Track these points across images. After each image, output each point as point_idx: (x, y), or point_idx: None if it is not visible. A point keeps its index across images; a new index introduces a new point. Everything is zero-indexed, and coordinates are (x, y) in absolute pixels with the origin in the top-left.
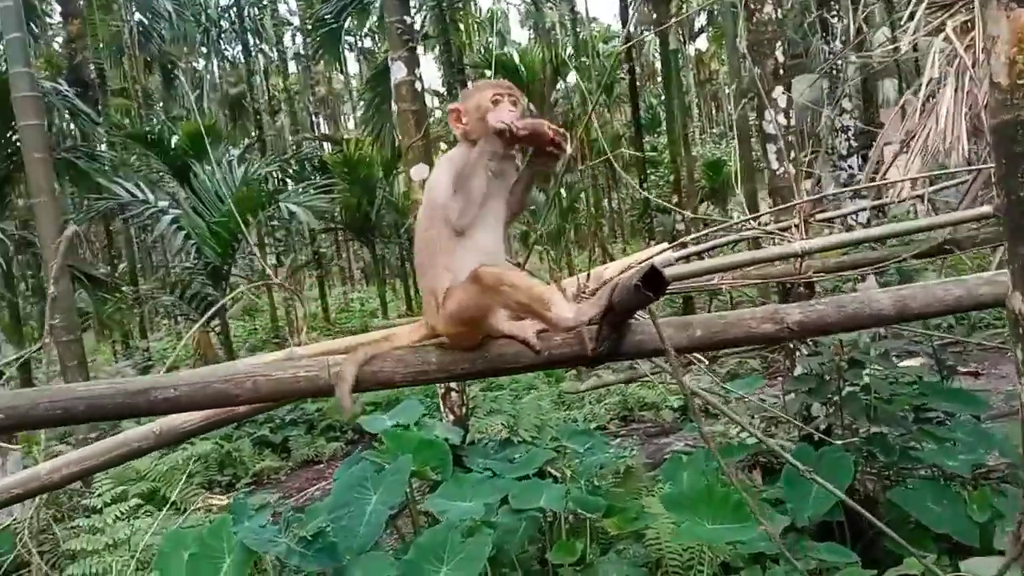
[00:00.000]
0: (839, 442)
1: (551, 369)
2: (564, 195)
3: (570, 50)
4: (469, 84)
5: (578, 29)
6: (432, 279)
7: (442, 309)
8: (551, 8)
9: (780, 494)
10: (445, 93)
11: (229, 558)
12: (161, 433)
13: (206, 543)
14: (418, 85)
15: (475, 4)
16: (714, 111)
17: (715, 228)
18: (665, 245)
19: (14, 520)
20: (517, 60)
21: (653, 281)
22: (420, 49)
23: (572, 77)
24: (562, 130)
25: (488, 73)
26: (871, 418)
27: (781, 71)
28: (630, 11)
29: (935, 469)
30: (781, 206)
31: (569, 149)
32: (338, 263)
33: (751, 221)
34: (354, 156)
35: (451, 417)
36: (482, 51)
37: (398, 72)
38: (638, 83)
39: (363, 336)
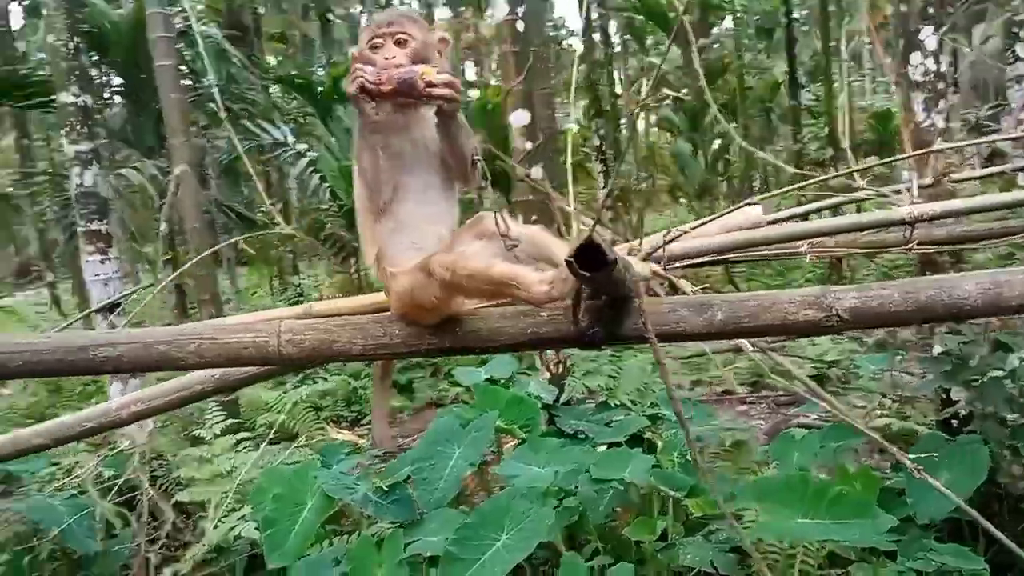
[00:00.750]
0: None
1: (536, 349)
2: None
3: None
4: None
5: None
6: (367, 257)
7: (391, 292)
8: None
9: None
10: (580, 32)
11: (310, 502)
12: (219, 377)
13: (292, 484)
14: (520, 25)
15: None
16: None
17: (805, 184)
18: (755, 200)
19: (131, 444)
20: (664, 2)
21: (592, 257)
22: None
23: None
24: (440, 72)
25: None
26: (1018, 408)
27: (930, 8)
28: None
29: None
30: (894, 158)
31: (447, 90)
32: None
33: (856, 176)
34: (486, 102)
35: (547, 375)
36: None
37: (500, 11)
38: (804, 26)
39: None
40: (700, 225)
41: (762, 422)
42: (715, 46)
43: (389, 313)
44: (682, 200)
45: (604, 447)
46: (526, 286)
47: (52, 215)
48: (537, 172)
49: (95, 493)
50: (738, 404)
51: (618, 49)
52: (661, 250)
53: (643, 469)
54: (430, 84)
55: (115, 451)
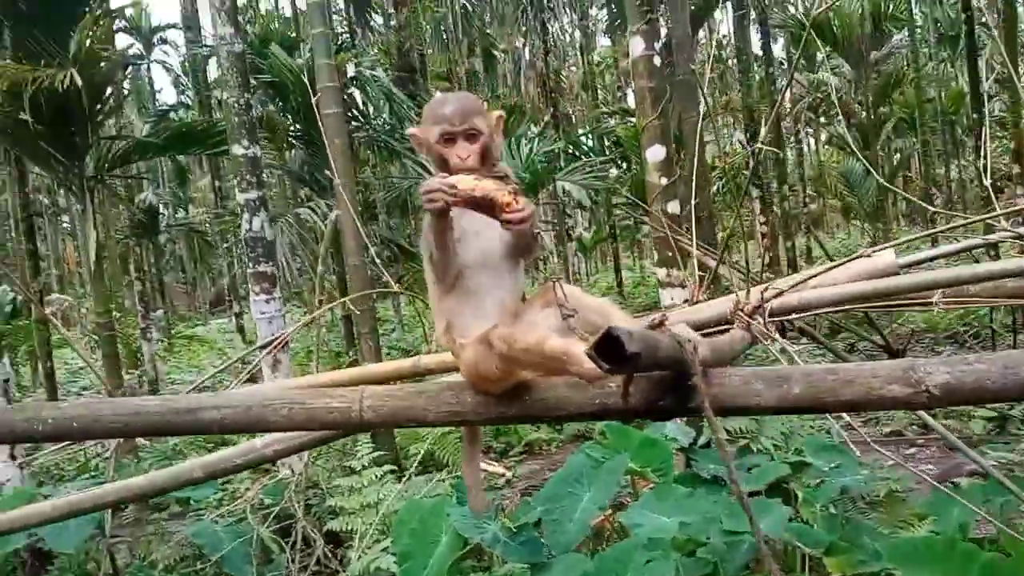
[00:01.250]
0: None
1: (603, 420)
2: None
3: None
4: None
5: None
6: (437, 328)
7: (460, 362)
8: None
9: None
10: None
11: (444, 538)
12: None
13: (427, 520)
14: (656, 60)
15: None
16: None
17: (941, 229)
18: (888, 247)
19: (289, 474)
20: (832, 16)
21: (614, 350)
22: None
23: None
24: (519, 199)
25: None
26: None
27: None
28: None
29: None
30: None
31: (524, 223)
32: (640, 236)
33: (1003, 220)
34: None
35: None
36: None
37: (636, 47)
38: (992, 30)
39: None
40: (805, 279)
41: (932, 467)
42: (891, 58)
43: (462, 380)
44: (854, 221)
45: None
46: (578, 362)
47: (237, 251)
48: (674, 207)
49: (253, 520)
50: (907, 447)
51: (783, 66)
52: (765, 304)
53: (779, 522)
54: (507, 210)
55: (275, 480)
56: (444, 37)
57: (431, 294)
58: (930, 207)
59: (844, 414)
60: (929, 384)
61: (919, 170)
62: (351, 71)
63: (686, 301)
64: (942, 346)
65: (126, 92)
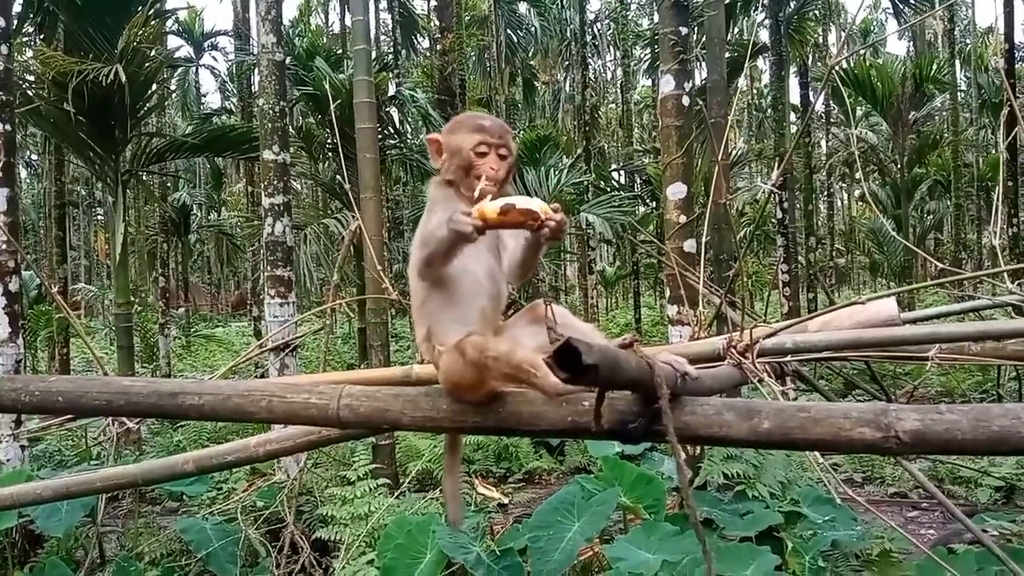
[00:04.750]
0: None
1: (576, 438)
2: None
3: (942, 63)
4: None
5: (964, 39)
6: (417, 334)
7: (438, 369)
8: (939, 19)
9: None
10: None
11: (428, 555)
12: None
13: (414, 536)
14: (685, 100)
15: (843, 13)
16: None
17: (945, 280)
18: (887, 293)
19: (284, 478)
20: (873, 74)
21: (573, 358)
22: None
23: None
24: (555, 213)
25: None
26: None
27: None
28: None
29: None
30: None
31: (558, 239)
32: (662, 275)
33: (1008, 281)
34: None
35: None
36: (836, 62)
37: (666, 85)
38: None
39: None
40: (801, 321)
41: (934, 532)
42: (931, 119)
43: (440, 387)
44: (881, 279)
45: (732, 540)
46: (542, 376)
47: (261, 256)
48: (690, 246)
49: (243, 521)
50: (910, 509)
51: (822, 120)
52: (755, 345)
53: (766, 570)
54: (545, 221)
55: (269, 483)
56: (487, 65)
57: (413, 298)
58: (939, 264)
59: (853, 472)
60: (899, 430)
61: (951, 233)
62: (391, 90)
63: (690, 338)
64: None
65: (172, 93)
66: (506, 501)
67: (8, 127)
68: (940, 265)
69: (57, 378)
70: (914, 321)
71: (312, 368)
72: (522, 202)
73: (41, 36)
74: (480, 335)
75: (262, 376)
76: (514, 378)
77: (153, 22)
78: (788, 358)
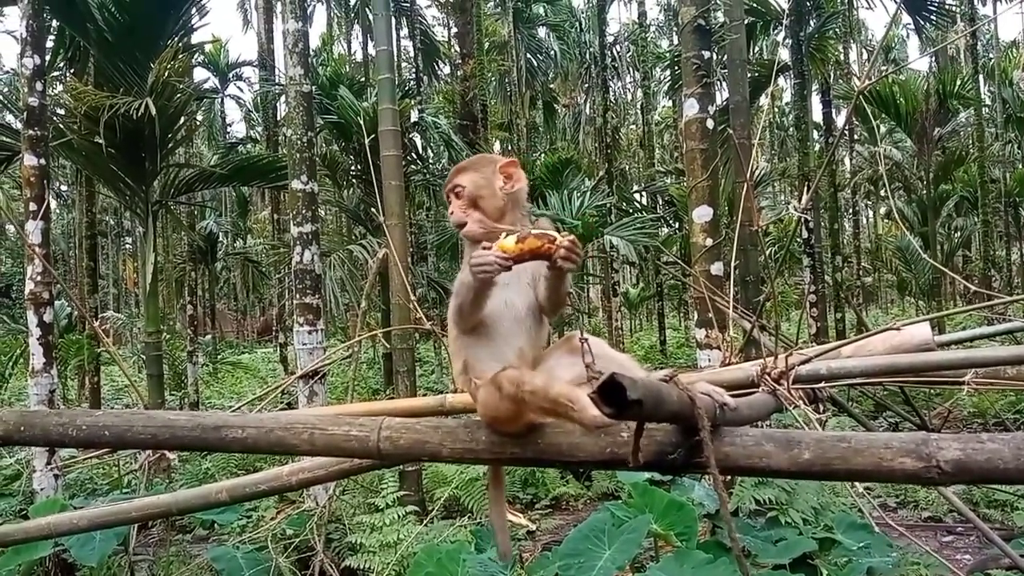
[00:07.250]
0: None
1: (615, 469)
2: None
3: (965, 78)
4: (831, 115)
5: (987, 54)
6: (454, 367)
7: (475, 400)
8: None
9: None
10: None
11: None
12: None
13: (443, 565)
14: (709, 123)
15: (864, 30)
16: None
17: (978, 307)
18: (922, 319)
19: (313, 506)
20: (897, 91)
21: (618, 396)
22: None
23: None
24: (566, 241)
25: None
26: None
27: None
28: None
29: None
30: None
31: (573, 262)
32: (686, 297)
33: None
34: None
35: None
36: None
37: (689, 109)
38: None
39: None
40: (835, 347)
41: (970, 557)
42: (956, 135)
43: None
44: (909, 298)
45: (765, 568)
46: (580, 409)
47: (287, 283)
48: (717, 268)
49: (274, 549)
50: (945, 534)
51: (845, 137)
52: (791, 370)
53: None
54: (553, 251)
55: (299, 511)
56: (508, 89)
57: (450, 334)
58: (967, 284)
59: (887, 496)
60: (940, 459)
61: (979, 250)
62: (414, 116)
63: (721, 363)
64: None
65: (198, 123)
66: (534, 528)
67: (42, 161)
68: (968, 285)
69: (103, 412)
70: (948, 344)
71: (338, 394)
72: (537, 232)
73: (72, 71)
74: (516, 369)
75: (290, 404)
76: (552, 412)
77: (181, 56)
78: (822, 384)
